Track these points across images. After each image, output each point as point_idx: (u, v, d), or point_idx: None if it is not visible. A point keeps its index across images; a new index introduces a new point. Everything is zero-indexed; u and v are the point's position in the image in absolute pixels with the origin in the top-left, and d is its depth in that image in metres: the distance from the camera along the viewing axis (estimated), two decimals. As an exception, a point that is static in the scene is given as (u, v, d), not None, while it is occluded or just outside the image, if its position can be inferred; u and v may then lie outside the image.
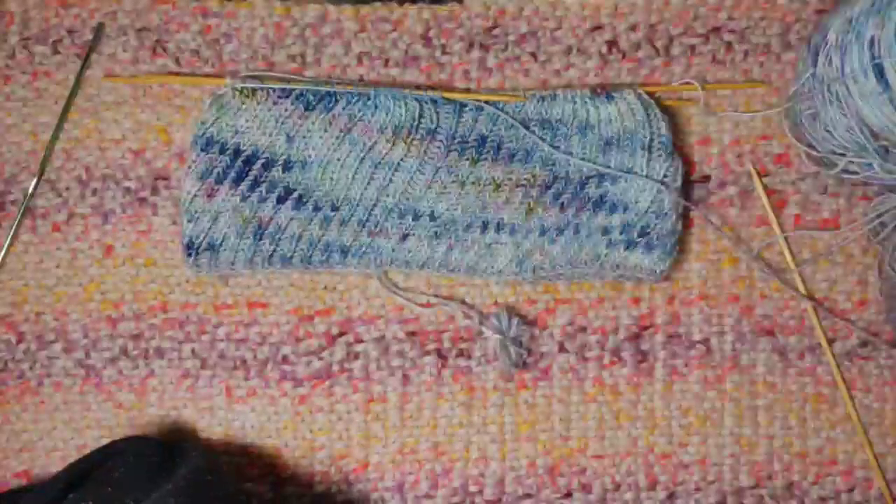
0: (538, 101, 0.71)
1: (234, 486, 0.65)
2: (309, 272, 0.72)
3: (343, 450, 0.73)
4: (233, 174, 0.69)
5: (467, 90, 0.73)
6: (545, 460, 0.73)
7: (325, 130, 0.70)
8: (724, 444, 0.73)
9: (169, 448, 0.67)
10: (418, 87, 0.72)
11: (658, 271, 0.70)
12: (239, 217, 0.69)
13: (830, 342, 0.73)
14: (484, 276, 0.71)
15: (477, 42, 0.73)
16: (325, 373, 0.72)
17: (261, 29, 0.72)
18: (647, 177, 0.70)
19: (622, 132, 0.70)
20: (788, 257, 0.73)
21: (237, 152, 0.70)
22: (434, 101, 0.71)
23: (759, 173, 0.73)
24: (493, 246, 0.71)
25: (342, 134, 0.70)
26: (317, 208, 0.70)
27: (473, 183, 0.71)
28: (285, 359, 0.72)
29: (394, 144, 0.70)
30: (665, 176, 0.70)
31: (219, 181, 0.69)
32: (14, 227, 0.72)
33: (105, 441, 0.70)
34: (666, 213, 0.70)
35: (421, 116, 0.70)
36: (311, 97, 0.70)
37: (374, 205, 0.70)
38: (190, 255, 0.69)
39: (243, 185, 0.70)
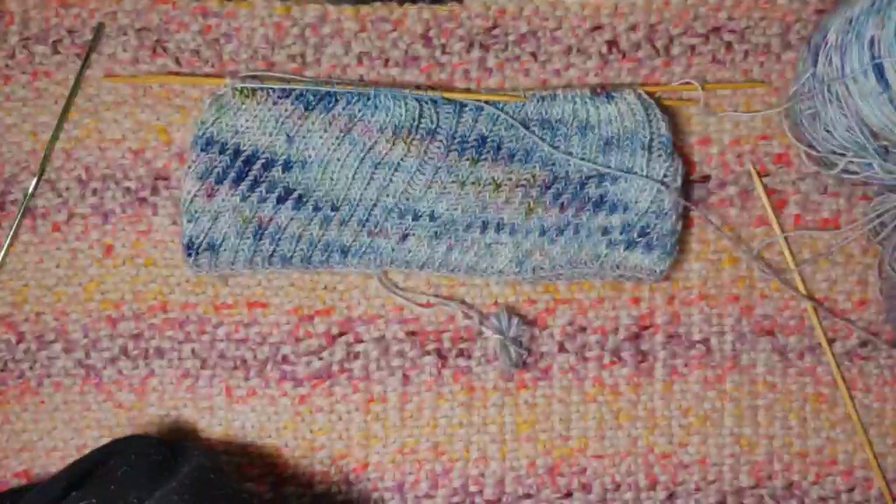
0: (538, 101, 0.71)
1: (235, 485, 0.65)
2: (309, 272, 0.72)
3: (343, 450, 0.73)
4: (233, 174, 0.69)
5: (467, 90, 0.73)
6: (545, 460, 0.73)
7: (325, 130, 0.70)
8: (724, 444, 0.73)
9: (170, 447, 0.67)
10: (418, 87, 0.72)
11: (658, 271, 0.70)
12: (239, 217, 0.69)
13: (830, 342, 0.73)
14: (484, 276, 0.71)
15: (477, 42, 0.73)
16: (325, 373, 0.72)
17: (261, 29, 0.72)
18: (647, 177, 0.70)
19: (622, 132, 0.70)
20: (788, 257, 0.73)
21: (237, 152, 0.70)
22: (434, 101, 0.71)
23: (759, 173, 0.73)
24: (493, 246, 0.71)
25: (342, 134, 0.70)
26: (317, 208, 0.70)
27: (473, 183, 0.71)
28: (285, 359, 0.72)
29: (394, 144, 0.70)
30: (665, 176, 0.70)
31: (219, 181, 0.69)
32: (14, 227, 0.72)
33: (105, 441, 0.70)
34: (666, 213, 0.70)
35: (421, 116, 0.70)
36: (311, 97, 0.70)
37: (374, 205, 0.70)
38: (190, 255, 0.69)
39: (243, 185, 0.70)
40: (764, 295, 0.73)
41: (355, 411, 0.73)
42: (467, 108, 0.71)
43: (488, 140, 0.71)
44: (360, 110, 0.70)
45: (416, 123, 0.70)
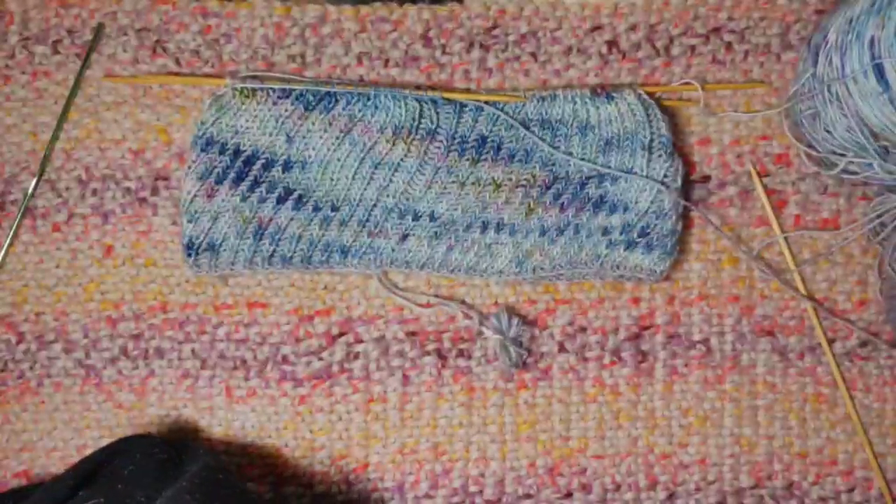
0: (538, 102, 0.71)
1: (241, 485, 0.65)
2: (309, 272, 0.72)
3: (343, 450, 0.73)
4: (233, 174, 0.69)
5: (467, 90, 0.73)
6: (545, 460, 0.73)
7: (325, 130, 0.70)
8: (724, 444, 0.73)
9: (174, 447, 0.67)
10: (418, 87, 0.72)
11: (658, 271, 0.70)
12: (239, 217, 0.69)
13: (830, 342, 0.73)
14: (484, 276, 0.71)
15: (477, 42, 0.73)
16: (325, 373, 0.72)
17: (261, 29, 0.72)
18: (647, 177, 0.70)
19: (622, 132, 0.70)
20: (788, 257, 0.73)
21: (237, 152, 0.70)
22: (434, 102, 0.71)
23: (759, 173, 0.73)
24: (493, 246, 0.71)
25: (342, 134, 0.70)
26: (317, 208, 0.70)
27: (473, 183, 0.71)
28: (285, 359, 0.72)
29: (394, 144, 0.70)
30: (665, 176, 0.70)
31: (219, 181, 0.69)
32: (14, 227, 0.72)
33: (105, 441, 0.70)
34: (666, 214, 0.70)
35: (421, 116, 0.70)
36: (311, 97, 0.70)
37: (374, 205, 0.70)
38: (190, 255, 0.69)
39: (243, 186, 0.70)
40: (764, 295, 0.73)
41: (355, 411, 0.73)
42: (467, 109, 0.71)
43: (488, 140, 0.71)
44: (360, 110, 0.70)
45: (416, 124, 0.70)
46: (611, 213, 0.70)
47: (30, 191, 0.72)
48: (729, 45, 0.73)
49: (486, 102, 0.71)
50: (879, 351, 0.73)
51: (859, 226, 0.72)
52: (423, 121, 0.70)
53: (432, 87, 0.72)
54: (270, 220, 0.70)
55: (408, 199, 0.71)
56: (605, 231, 0.70)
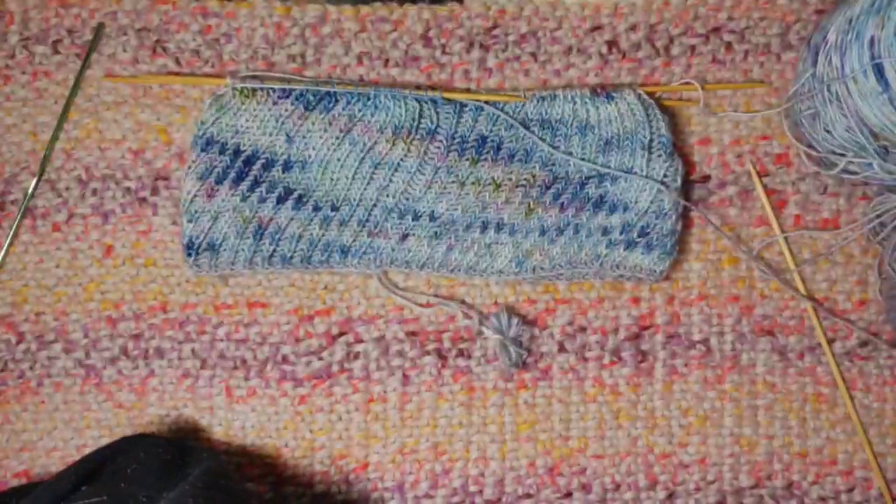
0: (538, 102, 0.71)
1: (242, 487, 0.65)
2: (309, 272, 0.72)
3: (343, 450, 0.73)
4: (233, 174, 0.69)
5: (467, 90, 0.73)
6: (545, 460, 0.73)
7: (325, 130, 0.70)
8: (724, 444, 0.73)
9: (177, 447, 0.67)
10: (418, 87, 0.72)
11: (658, 271, 0.70)
12: (239, 217, 0.69)
13: (830, 342, 0.73)
14: (484, 276, 0.71)
15: (477, 42, 0.73)
16: (325, 373, 0.72)
17: (261, 29, 0.72)
18: (647, 177, 0.70)
19: (622, 132, 0.70)
20: (788, 257, 0.73)
21: (237, 152, 0.70)
22: (434, 101, 0.71)
23: (759, 173, 0.73)
24: (493, 246, 0.71)
25: (342, 134, 0.70)
26: (317, 208, 0.70)
27: (473, 183, 0.71)
28: (285, 359, 0.72)
29: (394, 144, 0.70)
30: (665, 176, 0.70)
31: (219, 181, 0.69)
32: (14, 227, 0.72)
33: (105, 441, 0.70)
34: (666, 213, 0.70)
35: (421, 116, 0.70)
36: (311, 97, 0.70)
37: (374, 205, 0.70)
38: (190, 255, 0.69)
39: (243, 185, 0.70)
40: (764, 295, 0.73)
41: (355, 411, 0.73)
42: (467, 109, 0.71)
43: (488, 140, 0.71)
44: (360, 110, 0.70)
45: (416, 123, 0.70)
46: (611, 212, 0.70)
47: (30, 191, 0.72)
48: (729, 45, 0.73)
49: (486, 102, 0.71)
50: (879, 351, 0.73)
51: (859, 226, 0.72)
52: (423, 121, 0.70)
53: (432, 87, 0.72)
54: (270, 219, 0.70)
55: (408, 199, 0.71)
56: (605, 231, 0.70)
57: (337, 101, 0.70)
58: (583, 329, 0.73)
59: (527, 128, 0.71)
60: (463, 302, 0.73)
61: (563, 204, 0.71)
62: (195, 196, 0.69)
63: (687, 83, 0.72)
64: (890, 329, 0.73)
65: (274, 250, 0.70)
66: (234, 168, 0.69)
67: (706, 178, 0.73)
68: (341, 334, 0.73)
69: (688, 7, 0.73)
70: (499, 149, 0.71)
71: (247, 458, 0.72)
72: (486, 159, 0.71)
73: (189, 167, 0.69)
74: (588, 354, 0.73)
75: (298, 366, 0.72)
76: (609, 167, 0.70)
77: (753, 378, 0.73)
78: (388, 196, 0.70)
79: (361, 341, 0.73)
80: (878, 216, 0.70)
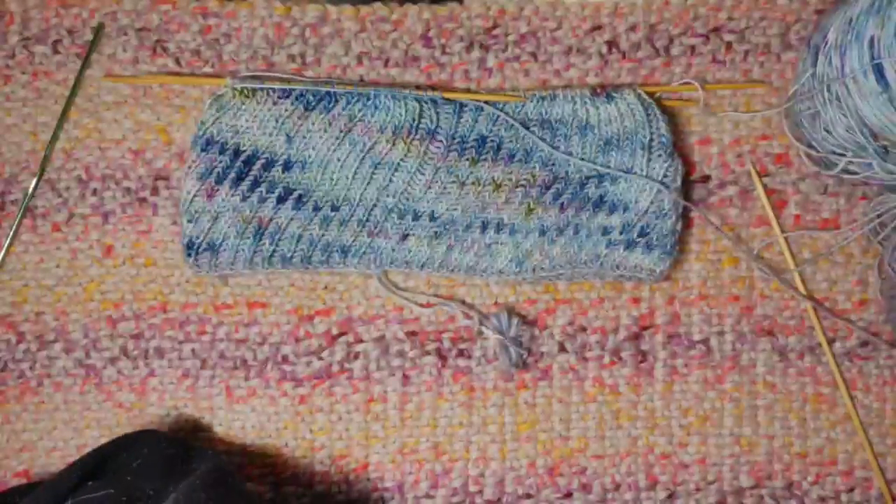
0: (538, 102, 0.71)
1: (247, 490, 0.65)
2: (309, 272, 0.72)
3: (343, 450, 0.73)
4: (233, 174, 0.69)
5: (467, 90, 0.73)
6: (545, 460, 0.73)
7: (325, 130, 0.70)
8: (724, 444, 0.73)
9: (181, 444, 0.67)
10: (418, 87, 0.72)
11: (658, 271, 0.70)
12: (239, 217, 0.69)
13: (830, 342, 0.73)
14: (484, 276, 0.71)
15: (477, 42, 0.73)
16: (325, 373, 0.72)
17: (261, 29, 0.72)
18: (647, 177, 0.70)
19: (622, 132, 0.70)
20: (788, 257, 0.73)
21: (237, 152, 0.70)
22: (434, 101, 0.71)
23: (759, 173, 0.73)
24: (493, 246, 0.71)
25: (342, 134, 0.70)
26: (317, 208, 0.70)
27: (473, 183, 0.71)
28: (285, 359, 0.72)
29: (394, 144, 0.70)
30: (665, 176, 0.70)
31: (219, 181, 0.69)
32: (14, 227, 0.72)
33: (105, 441, 0.70)
34: (666, 213, 0.70)
35: (421, 116, 0.70)
36: (311, 97, 0.70)
37: (374, 205, 0.70)
38: (190, 255, 0.69)
39: (243, 185, 0.70)
40: (764, 295, 0.73)
41: (355, 411, 0.73)
42: (467, 109, 0.71)
43: (488, 140, 0.71)
44: (360, 110, 0.70)
45: (416, 123, 0.70)
46: (610, 212, 0.70)
47: (30, 191, 0.72)
48: (729, 45, 0.73)
49: (486, 102, 0.71)
50: (879, 351, 0.73)
51: (859, 226, 0.72)
52: (422, 121, 0.70)
53: (432, 87, 0.72)
54: (270, 219, 0.70)
55: (408, 199, 0.71)
56: (605, 231, 0.70)
57: (337, 101, 0.70)
58: (583, 329, 0.73)
59: (527, 128, 0.71)
60: (463, 302, 0.73)
61: (563, 204, 0.71)
62: (195, 196, 0.69)
63: (687, 83, 0.72)
64: (890, 329, 0.73)
65: (274, 250, 0.70)
66: (234, 168, 0.69)
67: (706, 178, 0.73)
68: (341, 334, 0.73)
69: (688, 7, 0.73)
70: (499, 149, 0.71)
71: (247, 458, 0.72)
72: (485, 159, 0.71)
73: (189, 167, 0.69)
74: (588, 354, 0.73)
75: (298, 366, 0.72)
76: (609, 167, 0.70)
77: (753, 378, 0.73)
78: (388, 196, 0.70)
79: (361, 341, 0.73)
80: (879, 216, 0.70)
